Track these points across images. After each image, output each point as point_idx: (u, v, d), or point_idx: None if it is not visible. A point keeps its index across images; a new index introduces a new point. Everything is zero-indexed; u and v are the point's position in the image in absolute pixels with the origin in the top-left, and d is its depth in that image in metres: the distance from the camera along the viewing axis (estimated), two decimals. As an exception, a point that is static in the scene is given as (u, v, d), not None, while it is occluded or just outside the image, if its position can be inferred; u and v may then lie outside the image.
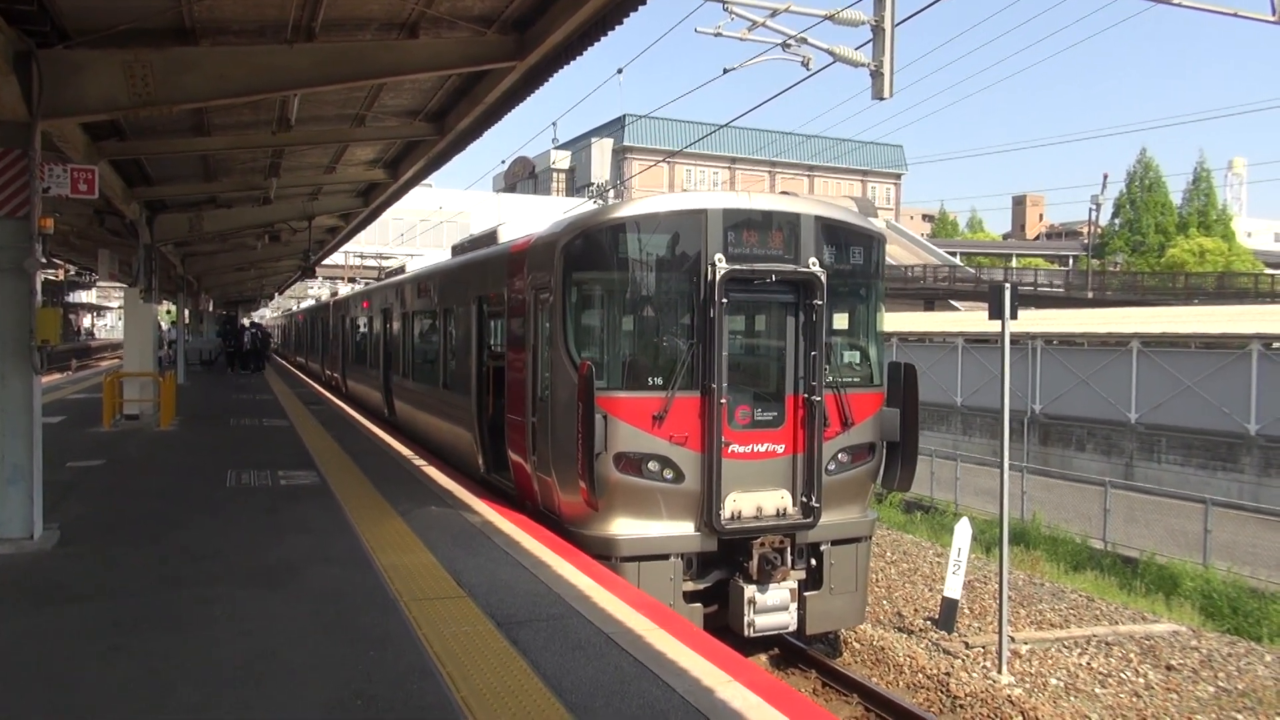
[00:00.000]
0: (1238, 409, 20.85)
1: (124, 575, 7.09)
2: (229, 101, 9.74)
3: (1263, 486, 20.04)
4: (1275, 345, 21.84)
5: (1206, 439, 21.48)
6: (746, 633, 8.69)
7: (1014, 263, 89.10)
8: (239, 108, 11.31)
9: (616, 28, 8.56)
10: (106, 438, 15.08)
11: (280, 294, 61.48)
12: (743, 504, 8.68)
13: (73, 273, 48.73)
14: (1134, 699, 9.34)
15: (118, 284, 29.90)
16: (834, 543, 9.23)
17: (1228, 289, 57.98)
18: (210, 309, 45.64)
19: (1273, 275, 65.61)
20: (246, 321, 43.30)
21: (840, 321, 9.62)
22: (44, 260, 8.71)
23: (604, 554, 8.35)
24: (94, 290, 75.89)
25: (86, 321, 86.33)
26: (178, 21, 8.36)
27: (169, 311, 45.38)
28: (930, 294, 64.29)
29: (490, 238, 12.85)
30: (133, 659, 5.34)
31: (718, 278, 8.48)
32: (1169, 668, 10.17)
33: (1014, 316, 10.10)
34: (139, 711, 4.65)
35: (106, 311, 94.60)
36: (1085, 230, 77.71)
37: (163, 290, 24.35)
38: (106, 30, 8.06)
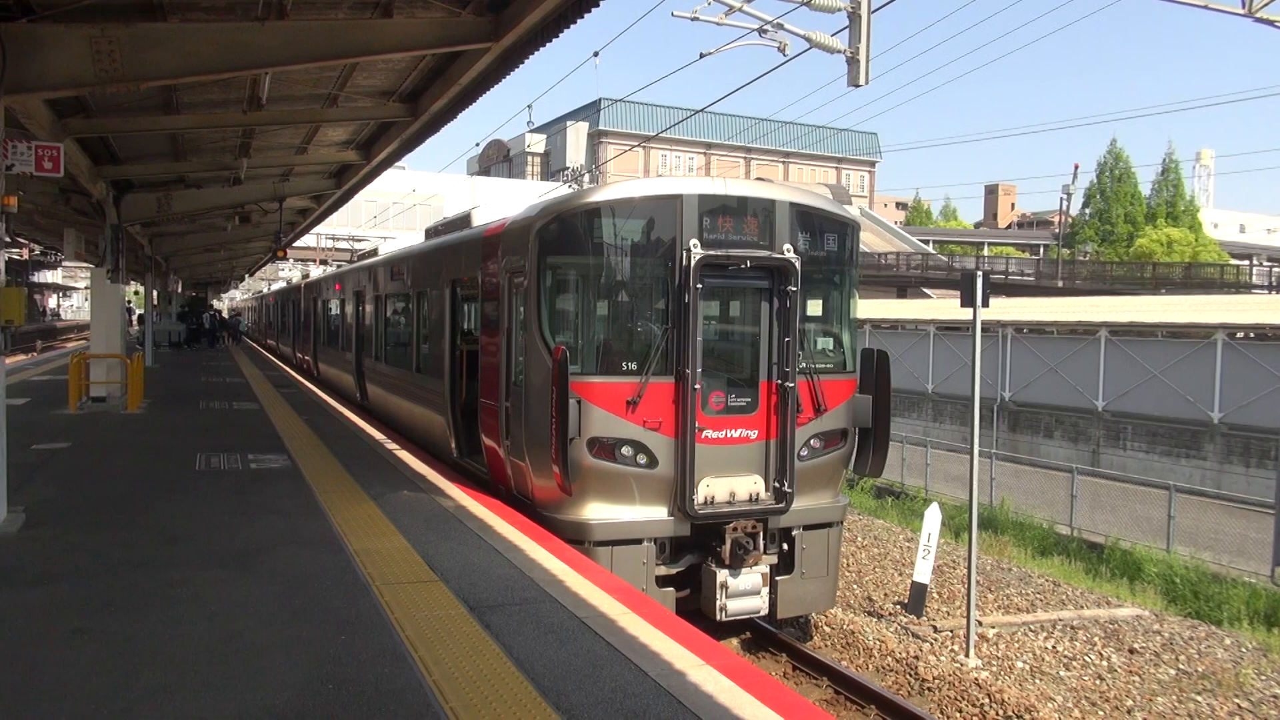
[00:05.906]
0: (1202, 397, 21.21)
1: (90, 558, 7.00)
2: (198, 79, 9.60)
3: (1225, 473, 20.44)
4: (1239, 335, 22.23)
5: (1171, 426, 21.85)
6: (719, 617, 8.73)
7: (986, 251, 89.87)
8: (208, 86, 11.14)
9: (593, 10, 8.49)
10: (73, 420, 14.86)
11: (251, 276, 60.80)
12: (716, 489, 8.71)
13: (38, 252, 47.82)
14: (1097, 681, 9.52)
15: (84, 264, 29.47)
16: (806, 528, 9.29)
17: (1194, 279, 58.69)
18: (179, 290, 45.07)
19: (1238, 266, 66.61)
20: (216, 309, 44.58)
21: (814, 308, 9.63)
22: (8, 239, 8.55)
23: (577, 538, 8.36)
24: (60, 270, 74.70)
25: (52, 302, 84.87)
26: (145, -4, 8.23)
27: (136, 292, 44.89)
28: (903, 281, 64.74)
29: (464, 221, 12.76)
30: (99, 641, 5.29)
31: (692, 263, 8.47)
32: (1132, 651, 10.36)
33: (986, 305, 10.17)
34: (105, 692, 4.60)
35: (73, 292, 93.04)
36: (1056, 220, 78.44)
37: (130, 271, 24.01)
38: (72, 4, 7.90)
